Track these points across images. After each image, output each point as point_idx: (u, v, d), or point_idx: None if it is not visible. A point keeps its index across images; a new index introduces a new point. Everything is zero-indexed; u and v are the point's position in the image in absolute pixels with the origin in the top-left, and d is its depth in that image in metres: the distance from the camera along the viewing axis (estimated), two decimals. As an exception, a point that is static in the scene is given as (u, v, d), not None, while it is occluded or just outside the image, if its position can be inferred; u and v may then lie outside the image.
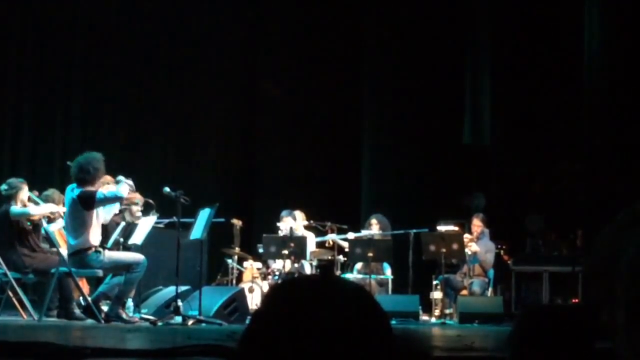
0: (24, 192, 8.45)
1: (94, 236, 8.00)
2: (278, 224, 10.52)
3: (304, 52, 12.96)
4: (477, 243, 10.29)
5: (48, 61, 12.05)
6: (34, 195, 8.72)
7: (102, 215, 8.16)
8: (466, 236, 10.18)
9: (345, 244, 10.46)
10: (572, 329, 1.98)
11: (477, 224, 10.38)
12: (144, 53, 12.46)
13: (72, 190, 7.99)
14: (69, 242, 8.06)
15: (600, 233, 1.07)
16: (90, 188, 7.95)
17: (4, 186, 8.45)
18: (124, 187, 8.02)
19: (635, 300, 0.99)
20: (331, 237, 10.57)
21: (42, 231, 8.62)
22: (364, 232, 10.54)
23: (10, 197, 8.36)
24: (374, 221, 10.57)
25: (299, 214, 10.72)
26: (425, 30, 12.12)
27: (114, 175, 8.35)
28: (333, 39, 12.84)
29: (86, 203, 7.89)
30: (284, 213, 10.58)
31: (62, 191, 9.37)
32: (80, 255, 7.94)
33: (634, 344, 1.00)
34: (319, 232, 10.77)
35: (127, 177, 8.22)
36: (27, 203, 8.48)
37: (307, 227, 10.67)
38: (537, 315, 2.08)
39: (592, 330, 1.99)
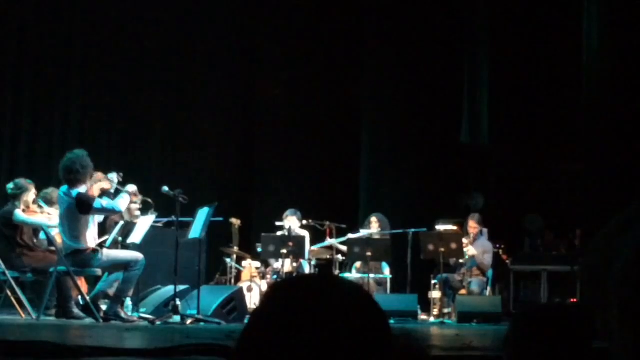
0: (30, 194, 8.46)
1: (91, 237, 8.01)
2: (281, 223, 10.50)
3: (303, 52, 12.96)
4: (474, 244, 10.30)
5: (46, 60, 12.04)
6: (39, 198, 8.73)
7: (97, 216, 8.19)
8: (463, 240, 10.17)
9: (345, 248, 10.44)
10: (569, 329, 1.98)
11: (472, 225, 10.38)
12: (143, 52, 12.46)
13: (67, 192, 7.91)
14: (66, 243, 8.04)
15: (594, 236, 1.08)
16: (83, 189, 7.90)
17: (11, 185, 8.46)
18: (124, 201, 8.05)
19: (628, 301, 1.00)
20: (330, 243, 10.55)
21: (42, 235, 8.60)
22: (363, 232, 10.52)
23: (15, 197, 8.37)
24: (373, 219, 10.58)
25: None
26: (424, 29, 12.13)
27: (106, 172, 8.32)
28: (331, 38, 12.84)
29: (83, 207, 7.85)
30: (289, 212, 10.57)
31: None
32: (78, 256, 7.94)
33: (627, 345, 1.01)
34: (317, 232, 10.76)
35: (119, 172, 8.24)
36: (31, 206, 8.49)
37: (303, 227, 10.67)
38: (534, 314, 2.08)
39: (589, 330, 2.00)
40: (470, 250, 10.14)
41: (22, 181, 8.54)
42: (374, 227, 10.49)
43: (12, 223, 8.24)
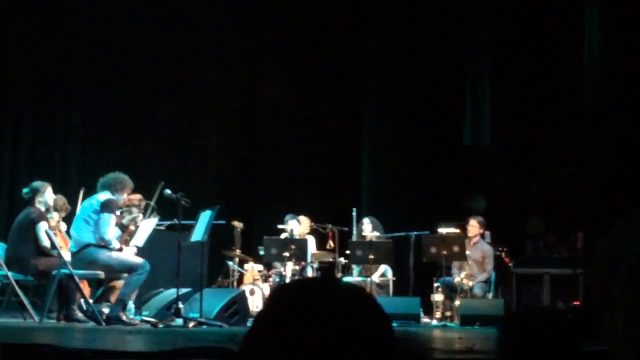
0: (46, 195, 8.48)
1: (112, 235, 8.20)
2: (283, 226, 10.51)
3: (304, 55, 12.95)
4: (474, 248, 10.28)
5: (48, 63, 12.05)
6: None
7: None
8: (464, 274, 10.10)
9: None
10: (559, 332, 1.98)
11: (473, 224, 10.37)
12: (144, 56, 12.46)
13: (94, 198, 8.26)
14: (77, 239, 8.13)
15: (599, 242, 1.09)
16: (111, 196, 8.15)
17: (25, 190, 8.49)
18: (116, 244, 8.21)
19: (633, 304, 1.00)
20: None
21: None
22: (371, 234, 10.47)
23: (32, 200, 8.40)
24: (366, 221, 10.60)
25: (304, 219, 10.73)
26: (426, 31, 12.12)
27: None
28: (333, 41, 12.84)
29: (105, 208, 8.11)
30: (288, 217, 10.58)
31: (64, 196, 9.41)
32: (87, 250, 8.00)
33: (633, 348, 1.01)
34: (319, 235, 10.76)
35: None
36: (50, 206, 8.54)
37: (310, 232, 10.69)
38: (521, 320, 2.09)
39: (578, 334, 2.00)
40: (469, 283, 10.07)
41: (35, 183, 8.59)
42: (366, 230, 10.50)
43: (29, 227, 8.26)
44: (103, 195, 8.21)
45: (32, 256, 8.20)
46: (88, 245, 8.07)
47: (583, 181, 10.50)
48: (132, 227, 8.57)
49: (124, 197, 8.37)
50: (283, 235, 10.33)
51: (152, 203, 8.77)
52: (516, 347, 1.98)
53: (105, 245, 8.10)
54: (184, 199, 8.35)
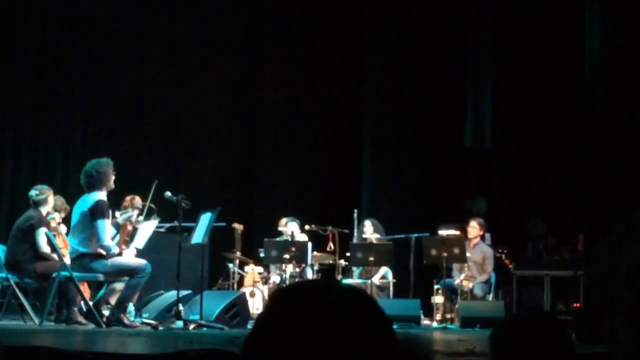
0: (52, 199, 8.53)
1: (109, 239, 8.13)
2: (281, 229, 10.51)
3: (305, 57, 12.95)
4: (474, 250, 10.28)
5: (48, 66, 12.06)
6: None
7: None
8: (463, 276, 10.10)
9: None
10: (551, 336, 1.98)
11: (474, 226, 10.37)
12: (145, 58, 12.48)
13: (84, 201, 8.09)
14: (73, 247, 8.09)
15: (599, 243, 1.09)
16: (101, 195, 8.03)
17: (35, 191, 8.49)
18: (116, 249, 8.13)
19: (633, 306, 1.00)
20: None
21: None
22: (369, 236, 10.46)
23: (40, 203, 8.40)
24: (367, 223, 10.59)
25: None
26: (427, 33, 12.12)
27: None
28: (334, 43, 12.84)
29: (95, 214, 7.95)
30: (287, 219, 10.57)
31: (65, 196, 9.41)
32: (84, 260, 7.97)
33: (633, 349, 1.01)
34: (319, 237, 10.75)
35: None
36: (50, 210, 8.55)
37: (304, 231, 10.68)
38: (514, 324, 2.09)
39: (568, 339, 2.01)
40: (469, 285, 10.07)
41: (43, 187, 8.61)
42: (367, 232, 10.49)
43: (32, 230, 8.26)
44: (91, 198, 8.04)
45: (29, 260, 8.20)
46: (84, 255, 8.01)
47: (583, 182, 10.51)
48: (129, 227, 8.52)
49: (112, 181, 8.23)
50: (280, 238, 10.33)
51: (148, 203, 8.71)
52: (509, 353, 1.98)
53: (104, 252, 8.03)
54: (184, 201, 8.34)
